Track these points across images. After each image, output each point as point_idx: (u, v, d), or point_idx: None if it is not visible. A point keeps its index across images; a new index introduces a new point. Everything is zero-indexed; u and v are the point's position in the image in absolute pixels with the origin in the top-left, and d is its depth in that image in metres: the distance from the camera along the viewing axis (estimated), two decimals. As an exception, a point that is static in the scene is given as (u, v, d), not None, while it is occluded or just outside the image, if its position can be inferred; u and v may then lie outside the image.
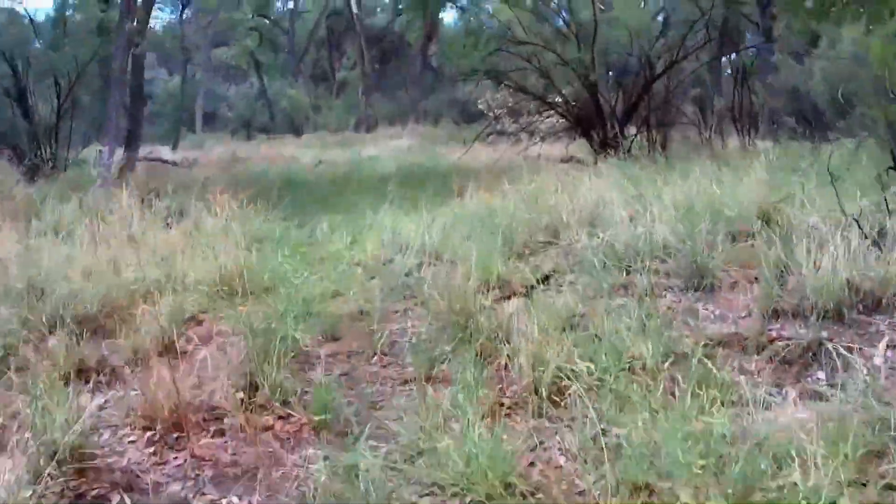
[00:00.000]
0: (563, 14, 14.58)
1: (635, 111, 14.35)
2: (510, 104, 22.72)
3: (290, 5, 42.44)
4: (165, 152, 23.37)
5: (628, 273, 5.00)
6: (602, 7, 14.60)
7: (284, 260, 6.13)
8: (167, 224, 8.57)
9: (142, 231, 7.94)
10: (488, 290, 4.96)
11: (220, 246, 6.74)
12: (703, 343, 3.88)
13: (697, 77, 17.76)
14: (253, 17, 36.44)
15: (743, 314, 4.44)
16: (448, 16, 42.35)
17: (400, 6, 39.74)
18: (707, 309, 4.51)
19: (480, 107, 23.16)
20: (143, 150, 22.85)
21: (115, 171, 11.79)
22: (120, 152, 12.02)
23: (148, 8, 14.11)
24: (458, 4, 40.05)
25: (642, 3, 14.13)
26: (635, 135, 14.39)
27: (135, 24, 11.69)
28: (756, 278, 4.84)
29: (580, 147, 15.87)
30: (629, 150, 13.52)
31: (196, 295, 5.70)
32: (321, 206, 9.64)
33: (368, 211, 8.18)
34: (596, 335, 3.93)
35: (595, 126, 14.50)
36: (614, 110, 14.38)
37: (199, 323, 5.32)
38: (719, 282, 4.80)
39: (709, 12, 12.93)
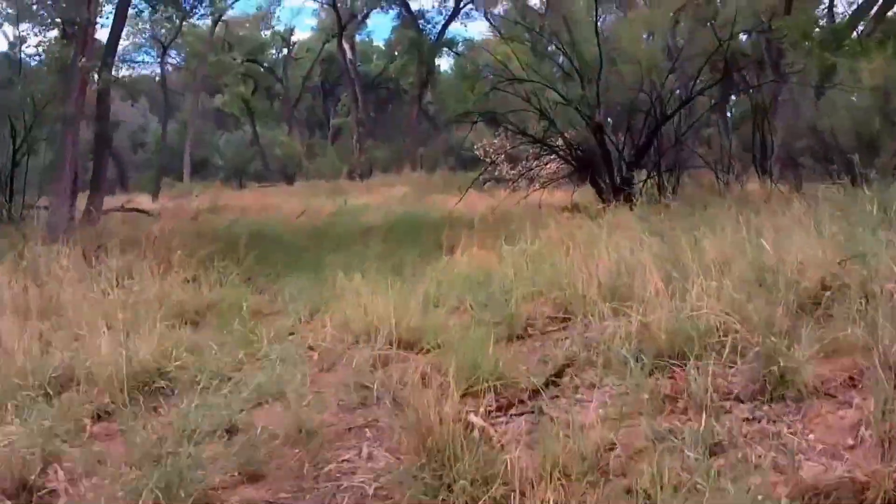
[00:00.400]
0: (562, 48, 13.32)
1: (645, 154, 13.06)
2: (508, 149, 21.59)
3: (284, 52, 41.58)
4: (147, 201, 22.16)
5: (673, 373, 3.60)
6: (601, 41, 13.48)
7: (220, 350, 4.79)
8: (106, 289, 7.21)
9: (75, 297, 6.62)
10: (479, 395, 3.59)
11: (151, 321, 5.41)
12: (803, 496, 2.51)
13: (709, 116, 16.62)
14: (243, 62, 35.53)
15: (850, 441, 3.03)
16: (444, 63, 41.81)
17: (395, 53, 39.02)
18: (796, 433, 3.09)
19: (477, 152, 22.01)
20: (121, 199, 21.69)
21: (65, 225, 10.42)
22: (68, 203, 10.69)
23: (112, 43, 12.90)
24: (454, 50, 39.55)
25: (649, 37, 12.82)
26: (646, 179, 13.11)
27: (89, 60, 10.45)
28: (853, 378, 3.46)
29: (585, 194, 14.59)
30: (639, 197, 12.34)
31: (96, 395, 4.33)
32: (290, 265, 8.29)
33: (341, 273, 6.83)
34: (639, 493, 2.53)
35: (601, 171, 13.20)
36: (622, 153, 13.09)
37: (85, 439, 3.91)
38: (805, 385, 3.38)
39: (726, 43, 11.69)
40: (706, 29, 12.94)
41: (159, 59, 29.64)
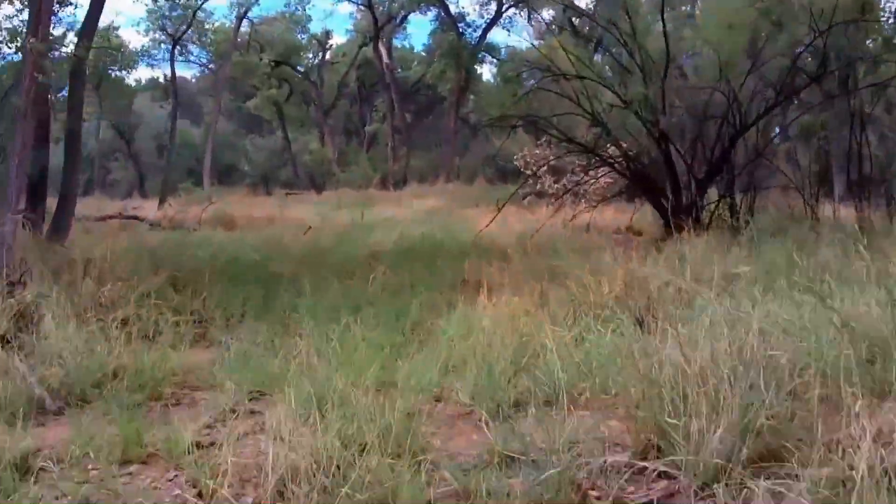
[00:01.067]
0: (621, 39, 11.05)
1: (721, 169, 10.79)
2: (551, 160, 19.42)
3: (319, 55, 39.85)
4: (151, 209, 20.43)
5: None
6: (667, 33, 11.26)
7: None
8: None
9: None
10: None
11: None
12: None
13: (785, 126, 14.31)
14: (273, 65, 33.83)
15: None
16: (485, 71, 39.62)
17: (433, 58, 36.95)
18: None
19: (517, 163, 19.82)
20: (117, 207, 19.98)
21: (7, 241, 8.47)
22: (14, 215, 8.79)
23: (90, 23, 11.05)
24: (495, 56, 37.24)
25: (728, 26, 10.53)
26: (718, 200, 10.83)
27: (42, 41, 8.57)
28: None
29: (643, 216, 12.41)
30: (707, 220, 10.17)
31: None
32: (256, 309, 6.24)
33: (308, 327, 4.80)
34: None
35: (664, 188, 10.93)
36: (692, 167, 10.84)
37: None
38: None
39: (825, 34, 9.39)
40: (793, 22, 10.59)
41: (169, 55, 27.82)
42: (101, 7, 10.88)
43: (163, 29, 26.94)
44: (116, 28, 29.90)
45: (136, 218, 15.74)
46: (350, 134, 44.85)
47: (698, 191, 10.64)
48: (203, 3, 22.74)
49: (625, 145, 11.75)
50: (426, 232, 10.66)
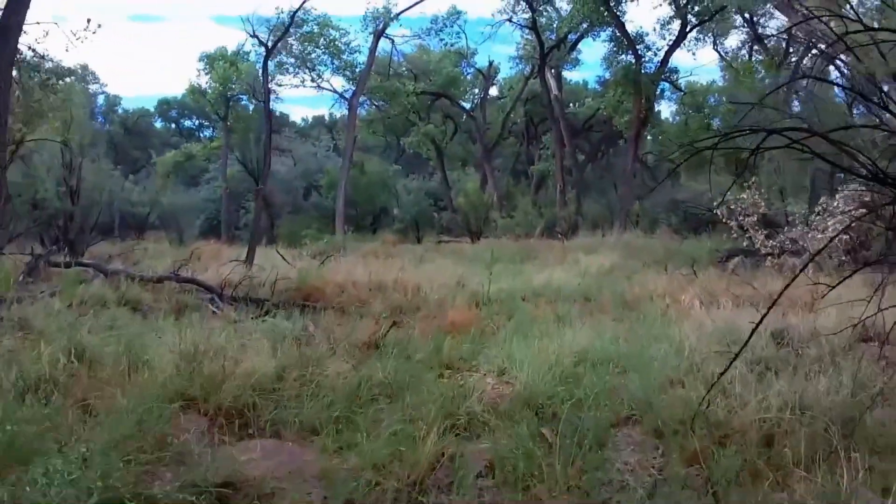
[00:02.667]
0: None
1: None
2: (762, 209, 14.46)
3: (482, 90, 36.50)
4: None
5: None
6: None
7: None
8: None
9: None
10: None
11: None
12: None
13: None
14: (423, 94, 30.59)
15: None
16: (663, 109, 34.42)
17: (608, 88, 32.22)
18: None
19: (716, 212, 14.92)
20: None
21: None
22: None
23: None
24: (678, 86, 31.96)
25: None
26: None
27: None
28: None
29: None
30: None
31: None
32: None
33: None
34: None
35: None
36: None
37: None
38: None
39: None
40: None
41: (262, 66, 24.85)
42: None
43: (253, 35, 24.14)
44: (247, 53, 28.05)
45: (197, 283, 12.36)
46: (517, 175, 41.08)
47: None
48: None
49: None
50: (599, 349, 6.19)
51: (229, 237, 26.72)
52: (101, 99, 45.84)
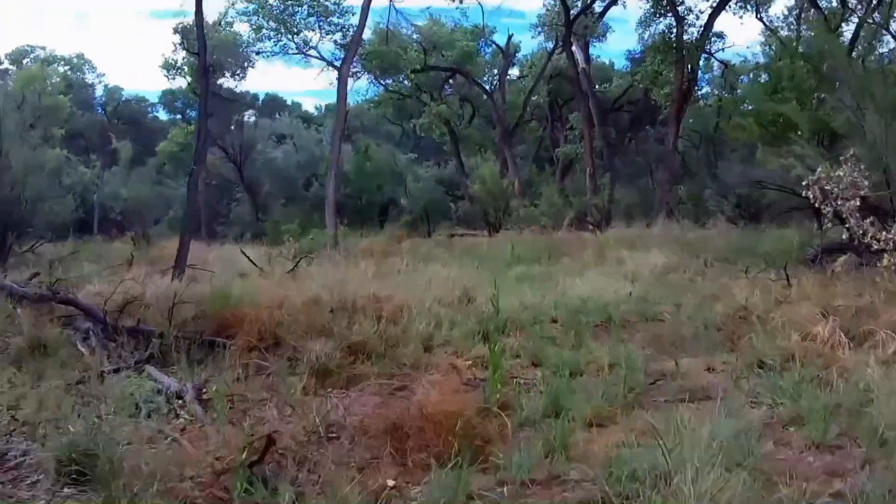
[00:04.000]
0: None
1: None
2: (863, 191, 10.80)
3: (501, 68, 32.86)
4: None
5: None
6: None
7: None
8: None
9: None
10: None
11: None
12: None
13: None
14: (451, 77, 27.02)
15: None
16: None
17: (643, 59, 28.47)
18: None
19: (806, 193, 11.35)
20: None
21: None
22: None
23: None
24: (719, 60, 28.35)
25: None
26: None
27: None
28: None
29: None
30: None
31: None
32: None
33: None
34: None
35: None
36: None
37: None
38: None
39: None
40: None
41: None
42: None
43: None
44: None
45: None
46: (540, 163, 37.45)
47: None
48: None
49: None
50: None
51: (209, 233, 23.52)
52: (99, 90, 43.75)
